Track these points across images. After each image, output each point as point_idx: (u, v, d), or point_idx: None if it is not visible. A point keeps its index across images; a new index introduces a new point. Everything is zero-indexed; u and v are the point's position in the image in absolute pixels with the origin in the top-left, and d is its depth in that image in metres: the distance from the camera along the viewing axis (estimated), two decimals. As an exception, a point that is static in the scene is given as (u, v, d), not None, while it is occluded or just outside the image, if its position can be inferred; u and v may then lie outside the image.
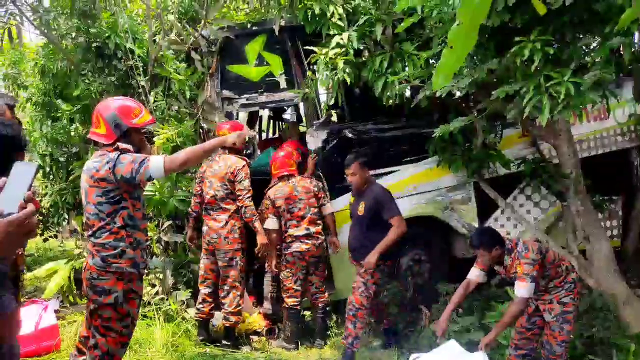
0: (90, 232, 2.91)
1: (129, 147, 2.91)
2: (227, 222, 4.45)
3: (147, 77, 5.12)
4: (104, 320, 2.86)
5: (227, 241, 4.44)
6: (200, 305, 4.56)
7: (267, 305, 5.05)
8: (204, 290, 4.58)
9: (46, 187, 6.03)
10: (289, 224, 4.63)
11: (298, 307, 4.68)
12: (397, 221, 4.18)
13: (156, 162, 2.78)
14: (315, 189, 4.70)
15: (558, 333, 3.44)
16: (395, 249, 4.34)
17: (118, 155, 2.81)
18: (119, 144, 2.89)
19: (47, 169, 5.97)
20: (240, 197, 4.40)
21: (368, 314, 4.35)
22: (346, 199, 4.92)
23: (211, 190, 4.48)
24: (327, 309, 4.85)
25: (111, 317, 2.86)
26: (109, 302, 2.85)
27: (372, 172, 4.98)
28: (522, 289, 3.31)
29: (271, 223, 4.70)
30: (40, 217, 6.28)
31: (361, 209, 4.23)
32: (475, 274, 3.60)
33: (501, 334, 3.81)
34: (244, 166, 4.45)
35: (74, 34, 5.33)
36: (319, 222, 4.69)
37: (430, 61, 4.35)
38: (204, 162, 4.71)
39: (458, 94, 4.53)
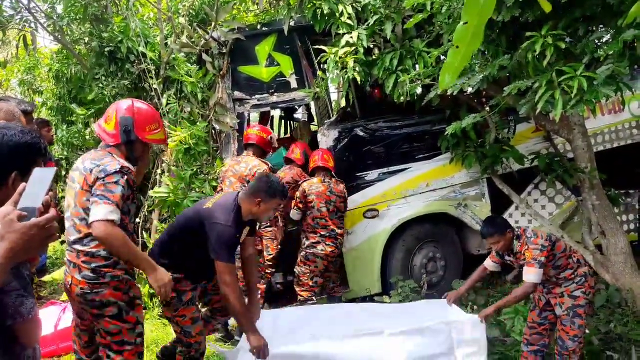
0: (75, 238, 2.60)
1: (131, 167, 2.65)
2: None
3: (159, 80, 5.16)
4: (114, 336, 2.60)
5: None
6: (216, 305, 4.58)
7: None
8: (218, 289, 4.61)
9: (62, 190, 6.12)
10: (316, 222, 4.65)
11: (313, 298, 4.70)
12: None
13: (101, 216, 2.45)
14: (345, 192, 4.74)
15: (569, 327, 3.42)
16: None
17: (111, 173, 2.51)
18: (123, 163, 2.60)
19: (63, 173, 6.06)
20: None
21: None
22: (357, 198, 4.92)
23: (229, 189, 4.50)
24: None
25: (121, 330, 2.61)
26: (112, 313, 2.58)
27: (385, 170, 5.00)
28: (530, 274, 3.33)
29: (295, 214, 4.75)
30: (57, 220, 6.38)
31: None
32: (489, 264, 3.70)
33: (515, 330, 3.80)
34: (264, 171, 4.43)
35: (86, 39, 5.40)
36: (341, 225, 4.73)
37: (441, 58, 4.33)
38: (229, 160, 4.75)
39: (470, 90, 4.51)
